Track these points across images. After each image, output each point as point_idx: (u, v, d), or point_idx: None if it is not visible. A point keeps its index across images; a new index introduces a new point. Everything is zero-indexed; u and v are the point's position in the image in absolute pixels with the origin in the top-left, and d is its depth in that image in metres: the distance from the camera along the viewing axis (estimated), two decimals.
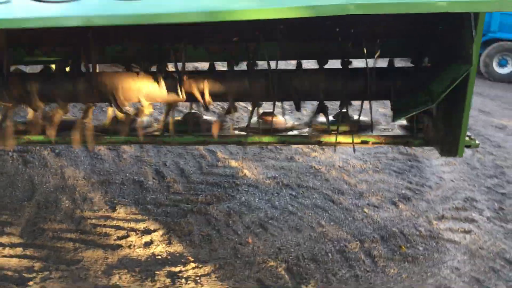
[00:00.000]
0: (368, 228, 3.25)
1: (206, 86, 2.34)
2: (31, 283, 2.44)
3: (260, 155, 4.20)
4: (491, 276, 2.83)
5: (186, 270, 2.66)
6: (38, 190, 3.35)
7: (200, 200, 3.40)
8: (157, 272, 2.62)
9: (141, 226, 3.03)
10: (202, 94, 2.38)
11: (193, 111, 2.63)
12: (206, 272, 2.66)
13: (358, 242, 3.07)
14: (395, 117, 2.34)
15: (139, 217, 3.13)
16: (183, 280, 2.57)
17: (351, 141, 2.47)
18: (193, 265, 2.71)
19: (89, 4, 1.78)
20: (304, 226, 3.19)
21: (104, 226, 3.01)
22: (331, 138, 2.51)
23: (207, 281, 2.58)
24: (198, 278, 2.60)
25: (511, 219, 3.53)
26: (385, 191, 3.79)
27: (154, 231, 2.99)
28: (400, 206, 3.56)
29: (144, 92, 2.38)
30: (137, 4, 1.75)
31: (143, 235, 2.94)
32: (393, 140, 2.61)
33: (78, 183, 3.48)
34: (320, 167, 4.10)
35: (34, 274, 2.53)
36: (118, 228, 3.00)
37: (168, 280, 2.57)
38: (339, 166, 4.18)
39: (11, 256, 2.66)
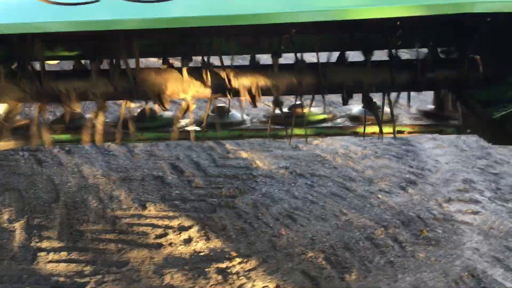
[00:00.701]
0: (387, 214, 3.38)
1: (254, 82, 2.32)
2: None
3: (266, 145, 4.26)
4: (509, 255, 3.03)
5: (233, 266, 2.71)
6: (62, 191, 3.29)
7: (224, 193, 3.44)
8: (206, 270, 2.65)
9: (175, 223, 3.05)
10: (250, 91, 2.36)
11: (221, 105, 2.62)
12: (252, 267, 2.71)
13: (382, 229, 3.20)
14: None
15: (171, 213, 3.14)
16: (235, 276, 2.62)
17: (386, 131, 2.54)
18: (238, 260, 2.76)
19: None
20: (328, 215, 3.29)
21: (139, 225, 3.00)
22: (367, 129, 2.58)
23: (256, 276, 2.64)
24: (246, 273, 2.66)
25: (510, 199, 3.75)
26: (391, 176, 3.94)
27: (190, 227, 3.01)
28: (409, 191, 3.72)
29: (190, 89, 2.35)
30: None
31: (180, 232, 2.96)
32: (427, 129, 2.71)
33: (99, 181, 3.44)
34: (325, 155, 4.21)
35: (87, 279, 2.51)
36: (154, 226, 3.00)
37: (219, 277, 2.61)
38: (342, 153, 4.30)
39: (58, 261, 2.63)
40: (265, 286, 2.55)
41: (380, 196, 3.61)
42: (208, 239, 2.92)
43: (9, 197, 3.13)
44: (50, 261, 2.59)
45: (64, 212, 3.03)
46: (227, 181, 3.60)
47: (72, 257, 2.65)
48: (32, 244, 2.70)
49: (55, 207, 3.06)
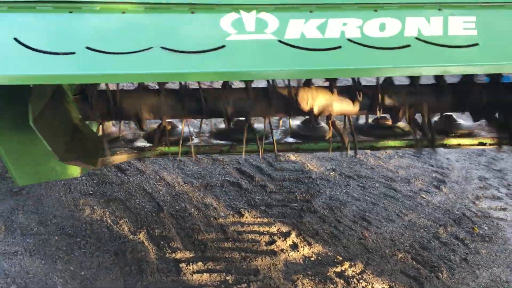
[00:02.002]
0: (438, 213, 3.86)
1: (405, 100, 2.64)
2: None
3: None
4: None
5: (346, 270, 3.05)
6: (159, 199, 3.44)
7: (298, 197, 3.75)
8: (328, 274, 2.98)
9: (274, 229, 3.33)
10: (397, 109, 2.69)
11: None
12: (361, 269, 3.07)
13: (441, 227, 3.67)
14: None
15: (265, 220, 3.41)
16: (354, 280, 2.97)
17: (470, 143, 2.97)
18: (347, 263, 3.10)
19: None
20: (392, 216, 3.71)
21: (246, 232, 3.25)
22: (453, 141, 2.99)
23: (370, 278, 3.01)
24: (360, 276, 3.02)
25: None
26: (421, 176, 4.42)
27: (289, 233, 3.30)
28: (443, 189, 4.23)
29: (336, 106, 2.65)
30: None
31: (284, 238, 3.25)
32: (505, 141, 3.17)
33: (185, 189, 3.61)
34: (358, 155, 4.62)
35: None
36: (258, 233, 3.26)
37: (342, 281, 2.95)
38: (370, 153, 4.73)
39: (199, 272, 2.83)
40: None
41: (423, 195, 4.07)
42: (309, 244, 3.21)
43: (117, 208, 3.22)
44: (193, 272, 2.77)
45: (174, 222, 3.19)
46: (294, 185, 3.90)
47: (209, 267, 2.84)
48: (167, 256, 2.86)
49: (163, 217, 3.21)
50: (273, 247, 3.07)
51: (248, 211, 3.38)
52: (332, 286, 2.82)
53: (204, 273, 2.74)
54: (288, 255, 3.02)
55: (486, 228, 3.69)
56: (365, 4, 2.15)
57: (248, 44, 1.99)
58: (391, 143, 2.91)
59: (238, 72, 1.94)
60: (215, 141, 2.66)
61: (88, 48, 1.91)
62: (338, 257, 3.09)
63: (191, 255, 2.85)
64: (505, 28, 2.12)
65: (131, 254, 2.78)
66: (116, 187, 3.40)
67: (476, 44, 1.99)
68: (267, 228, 3.23)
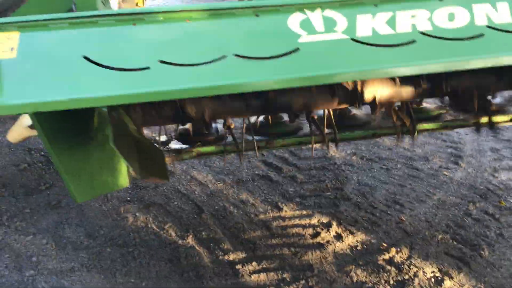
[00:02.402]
0: (463, 189, 3.93)
1: None
2: None
3: None
4: None
5: (393, 256, 3.09)
6: (196, 200, 3.40)
7: (329, 186, 3.76)
8: (378, 262, 3.01)
9: (314, 220, 3.34)
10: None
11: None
12: (407, 255, 3.11)
13: (470, 204, 3.74)
14: None
15: (304, 212, 3.41)
16: (405, 266, 3.01)
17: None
18: (393, 250, 3.14)
19: None
20: (422, 197, 3.76)
21: (288, 226, 3.25)
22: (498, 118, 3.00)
23: (418, 263, 3.05)
24: (408, 261, 3.06)
25: None
26: (438, 152, 4.48)
27: (330, 224, 3.31)
28: (461, 165, 4.30)
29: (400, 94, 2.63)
30: None
31: (327, 229, 3.26)
32: None
33: (219, 187, 3.58)
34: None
35: (295, 285, 2.76)
36: (301, 226, 3.27)
37: (393, 268, 2.99)
38: None
39: (256, 272, 2.82)
40: (433, 271, 2.95)
41: (445, 173, 4.13)
42: (351, 232, 3.24)
43: (158, 213, 3.18)
44: (250, 273, 2.76)
45: (217, 222, 3.16)
46: (321, 173, 3.90)
47: (264, 266, 2.84)
48: (220, 258, 2.84)
49: (206, 218, 3.17)
50: (318, 239, 3.08)
51: (285, 204, 3.38)
52: (385, 274, 2.84)
53: (261, 273, 2.73)
54: (335, 246, 3.03)
55: (511, 200, 3.75)
56: None
57: (322, 45, 1.95)
58: (426, 126, 2.91)
59: (319, 75, 1.89)
60: (250, 137, 2.62)
61: (161, 61, 1.84)
62: (383, 243, 3.12)
63: (243, 256, 2.83)
64: None
65: (186, 260, 2.75)
66: (151, 191, 3.34)
67: None
68: (308, 221, 3.23)
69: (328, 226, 3.22)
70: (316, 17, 2.03)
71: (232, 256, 2.84)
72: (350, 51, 1.97)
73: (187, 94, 1.86)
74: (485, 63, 2.02)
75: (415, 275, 2.87)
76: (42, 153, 3.79)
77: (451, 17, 2.04)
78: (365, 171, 3.96)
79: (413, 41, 1.99)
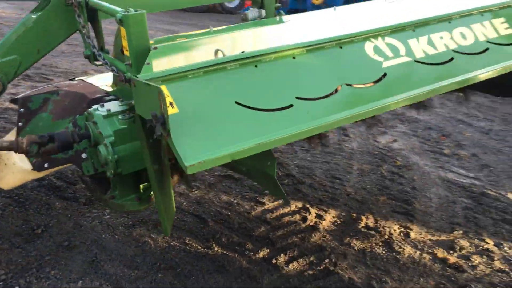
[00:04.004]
0: (366, 156, 4.82)
1: None
2: None
3: None
4: None
5: (367, 223, 3.76)
6: (189, 210, 3.59)
7: (280, 174, 4.27)
8: (362, 230, 3.68)
9: (293, 207, 3.83)
10: None
11: None
12: (374, 219, 3.83)
13: (379, 168, 4.64)
14: None
15: (281, 201, 3.89)
16: (380, 229, 3.73)
17: None
18: (363, 218, 3.81)
19: None
20: (347, 169, 4.54)
21: (279, 217, 3.65)
22: None
23: (385, 224, 3.80)
24: (379, 224, 3.78)
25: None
26: None
27: (306, 208, 3.82)
28: (351, 136, 5.22)
29: None
30: None
31: (308, 212, 3.78)
32: None
33: (198, 194, 3.80)
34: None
35: (324, 265, 3.27)
36: (288, 215, 3.70)
37: (374, 232, 3.66)
38: None
39: (289, 262, 3.22)
40: (398, 228, 3.73)
41: (346, 145, 4.97)
42: (325, 211, 3.81)
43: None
44: (286, 263, 3.14)
45: (225, 227, 3.42)
46: None
47: (290, 255, 3.22)
48: (253, 258, 3.14)
49: (213, 225, 3.40)
50: (308, 222, 3.54)
51: (263, 198, 3.72)
52: (373, 238, 3.46)
53: (293, 261, 3.08)
54: (323, 225, 3.54)
55: (400, 159, 4.74)
56: (440, 17, 2.69)
57: (399, 68, 2.40)
58: None
59: (411, 97, 2.34)
60: None
61: (297, 98, 2.11)
62: (352, 214, 3.74)
63: (268, 251, 3.13)
64: None
65: (230, 266, 2.94)
66: (144, 212, 3.35)
67: None
68: (289, 209, 3.65)
69: (306, 209, 3.68)
70: (382, 44, 2.44)
71: (261, 254, 3.10)
72: (418, 71, 2.44)
73: (341, 122, 2.13)
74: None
75: (390, 234, 3.53)
76: (3, 194, 3.38)
77: (463, 35, 2.65)
78: (293, 155, 4.47)
79: (451, 59, 2.54)
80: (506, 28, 2.74)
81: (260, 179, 2.51)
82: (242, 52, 2.18)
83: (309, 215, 3.58)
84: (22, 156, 2.92)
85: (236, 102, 1.96)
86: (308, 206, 3.69)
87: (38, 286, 2.56)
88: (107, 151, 2.27)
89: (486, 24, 2.70)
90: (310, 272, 2.99)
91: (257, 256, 3.04)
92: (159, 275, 2.72)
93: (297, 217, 3.54)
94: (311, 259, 3.11)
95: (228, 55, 2.09)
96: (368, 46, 2.38)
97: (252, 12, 3.38)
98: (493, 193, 4.28)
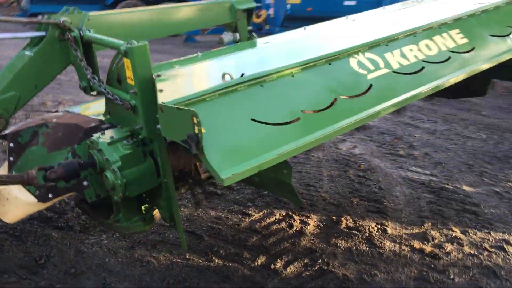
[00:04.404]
0: (332, 163, 5.18)
1: None
2: None
3: None
4: None
5: (347, 224, 4.06)
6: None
7: None
8: (344, 231, 3.99)
9: (277, 216, 4.05)
10: None
11: None
12: (352, 219, 4.15)
13: (346, 173, 5.01)
14: None
15: (265, 211, 4.09)
16: (360, 228, 4.04)
17: None
18: (343, 219, 4.10)
19: None
20: (317, 176, 4.86)
21: (267, 226, 3.87)
22: None
23: (363, 223, 4.13)
24: (358, 223, 4.09)
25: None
26: None
27: (289, 215, 4.07)
28: None
29: None
30: None
31: (292, 219, 4.04)
32: None
33: (186, 212, 3.98)
34: None
35: (319, 265, 3.53)
36: (274, 223, 3.93)
37: (355, 232, 3.98)
38: None
39: (286, 266, 3.47)
40: (375, 225, 4.07)
41: (312, 154, 5.30)
42: (307, 216, 4.08)
43: (166, 248, 3.43)
44: (284, 267, 3.37)
45: (219, 240, 3.62)
46: None
47: (286, 259, 3.45)
48: (253, 266, 3.36)
49: (208, 240, 3.60)
50: (294, 228, 3.80)
51: (248, 210, 3.94)
52: (356, 237, 3.76)
53: (290, 265, 3.32)
54: (308, 230, 3.80)
55: (363, 163, 5.11)
56: (406, 32, 3.05)
57: (381, 79, 2.73)
58: None
59: (395, 103, 2.66)
60: None
61: (302, 111, 2.38)
62: (332, 216, 4.03)
63: (265, 258, 3.34)
64: None
65: (234, 276, 3.12)
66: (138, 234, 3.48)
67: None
68: (274, 218, 3.91)
69: (290, 217, 3.93)
70: (363, 59, 2.76)
71: (259, 261, 3.31)
72: (397, 80, 2.77)
73: (342, 130, 2.40)
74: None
75: (370, 231, 3.84)
76: None
77: (428, 46, 3.00)
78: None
79: (422, 68, 2.88)
80: (462, 38, 3.10)
81: (274, 187, 2.72)
82: (242, 74, 2.38)
83: (294, 221, 3.82)
84: (22, 188, 2.98)
85: (252, 119, 2.16)
86: (291, 213, 3.92)
87: None
88: (115, 176, 2.40)
89: (445, 36, 3.05)
90: (307, 273, 3.19)
91: (256, 263, 3.23)
92: None
93: (284, 224, 3.76)
94: (305, 261, 3.33)
95: (236, 78, 2.29)
96: (353, 61, 2.66)
97: (227, 36, 3.60)
98: (450, 187, 4.67)
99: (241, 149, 2.02)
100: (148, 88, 2.34)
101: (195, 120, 1.84)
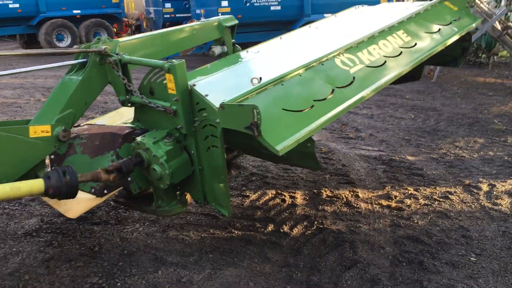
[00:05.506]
0: None
1: None
2: None
3: None
4: None
5: (326, 195, 5.01)
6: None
7: (247, 171, 5.39)
8: (325, 199, 4.96)
9: (270, 195, 4.96)
10: None
11: None
12: (330, 191, 5.14)
13: None
14: None
15: (259, 192, 4.98)
16: (337, 195, 5.04)
17: None
18: (323, 191, 5.05)
19: None
20: None
21: (265, 203, 4.77)
22: None
23: (338, 192, 5.14)
24: (334, 193, 5.10)
25: None
26: None
27: (279, 193, 5.00)
28: None
29: None
30: None
31: (283, 196, 4.96)
32: None
33: None
34: None
35: (316, 225, 4.46)
36: (270, 200, 4.83)
37: (335, 199, 4.96)
38: None
39: (292, 228, 4.36)
40: (348, 194, 5.07)
41: None
42: (293, 192, 5.01)
43: (189, 222, 4.22)
44: (291, 229, 4.27)
45: (232, 216, 4.46)
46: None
47: (289, 225, 4.36)
48: (266, 232, 4.24)
49: (222, 218, 4.43)
50: (287, 203, 4.66)
51: (245, 191, 4.79)
52: (337, 203, 4.72)
53: (294, 228, 4.17)
54: (299, 202, 4.70)
55: (322, 147, 6.11)
56: (368, 35, 4.03)
57: (359, 72, 3.68)
58: None
59: (376, 88, 3.59)
60: None
61: (315, 100, 3.30)
62: (314, 190, 4.95)
63: (273, 225, 4.21)
64: None
65: (257, 239, 3.98)
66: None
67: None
68: (268, 196, 4.75)
69: (280, 194, 4.79)
70: (344, 59, 3.70)
71: (269, 228, 4.15)
72: (372, 72, 3.72)
73: (343, 112, 3.30)
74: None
75: (346, 197, 4.82)
76: (44, 232, 4.02)
77: (384, 45, 4.00)
78: (247, 159, 5.58)
79: (385, 62, 3.87)
80: (406, 36, 4.12)
81: (297, 158, 3.55)
82: (260, 78, 3.20)
83: (284, 197, 4.69)
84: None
85: (283, 109, 3.01)
86: (280, 191, 4.79)
87: (131, 281, 3.30)
88: (162, 168, 3.16)
89: (394, 36, 4.05)
90: (309, 232, 4.07)
91: (268, 230, 4.06)
92: (210, 255, 3.62)
93: (278, 200, 4.63)
94: (305, 223, 4.21)
95: (264, 81, 3.11)
96: (338, 61, 3.57)
97: (217, 48, 4.41)
98: (397, 158, 5.75)
99: (283, 129, 2.85)
100: (186, 95, 3.10)
101: (255, 111, 2.64)
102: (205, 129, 3.07)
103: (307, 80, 3.27)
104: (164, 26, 14.02)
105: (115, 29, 17.10)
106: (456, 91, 9.28)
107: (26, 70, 3.20)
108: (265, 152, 3.39)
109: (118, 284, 3.21)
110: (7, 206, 4.30)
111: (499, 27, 9.68)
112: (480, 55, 11.70)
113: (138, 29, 18.33)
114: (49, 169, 3.30)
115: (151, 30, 14.18)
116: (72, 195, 2.94)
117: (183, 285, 3.21)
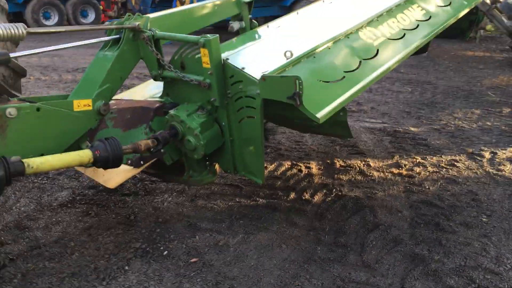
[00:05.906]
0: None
1: None
2: None
3: None
4: None
5: (339, 164, 5.30)
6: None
7: None
8: (339, 168, 5.20)
9: (286, 166, 5.22)
10: None
11: None
12: (342, 160, 5.40)
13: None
14: None
15: (275, 164, 5.24)
16: (349, 164, 5.29)
17: None
18: (336, 161, 5.37)
19: None
20: (296, 137, 6.04)
21: (283, 173, 5.04)
22: None
23: (349, 162, 5.39)
24: (345, 162, 5.35)
25: None
26: None
27: (296, 164, 5.23)
28: None
29: None
30: None
31: (299, 167, 5.20)
32: None
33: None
34: None
35: (336, 192, 4.71)
36: (287, 170, 5.07)
37: (348, 168, 5.22)
38: None
39: (312, 195, 4.61)
40: (358, 165, 5.32)
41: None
42: (308, 162, 5.25)
43: (214, 198, 4.43)
44: (311, 197, 4.51)
45: (251, 190, 4.68)
46: None
47: (309, 192, 4.59)
48: (288, 199, 4.47)
49: (244, 192, 4.65)
50: (304, 173, 4.89)
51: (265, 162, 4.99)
52: (351, 171, 4.96)
53: (314, 196, 4.44)
54: (315, 172, 4.93)
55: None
56: (386, 9, 4.22)
57: (382, 45, 3.89)
58: None
59: (396, 61, 3.82)
60: None
61: (345, 71, 3.51)
62: (327, 160, 5.19)
63: (294, 193, 4.44)
64: None
65: (280, 206, 4.21)
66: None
67: None
68: (285, 167, 4.99)
69: (296, 165, 5.01)
70: (368, 32, 3.89)
71: (291, 196, 4.37)
72: (395, 44, 3.91)
73: (371, 82, 3.51)
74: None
75: (358, 167, 5.06)
76: (79, 203, 4.19)
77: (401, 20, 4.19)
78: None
79: (404, 35, 4.07)
80: (421, 10, 4.34)
81: (328, 127, 3.75)
82: (289, 51, 3.36)
83: (300, 167, 4.91)
84: None
85: (318, 80, 3.20)
86: (295, 162, 5.02)
87: (171, 245, 3.51)
88: (197, 139, 3.33)
89: (410, 9, 4.28)
90: (329, 199, 4.31)
91: (290, 197, 4.29)
92: (240, 221, 3.84)
93: (294, 170, 4.85)
94: (324, 191, 4.45)
95: (296, 54, 3.29)
96: (362, 34, 3.77)
97: (235, 24, 4.56)
98: (401, 129, 6.01)
99: (321, 98, 3.05)
100: (220, 68, 3.25)
101: (297, 82, 2.82)
102: (239, 101, 3.21)
103: (336, 52, 3.46)
104: (153, 3, 13.99)
105: (101, 7, 16.95)
106: (448, 65, 9.57)
107: (65, 47, 3.31)
108: (298, 121, 3.58)
109: (161, 248, 3.38)
110: (36, 180, 4.43)
111: (488, 1, 9.95)
112: None
113: (124, 6, 18.18)
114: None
115: (139, 7, 14.14)
116: (117, 165, 3.08)
117: (220, 248, 3.40)
